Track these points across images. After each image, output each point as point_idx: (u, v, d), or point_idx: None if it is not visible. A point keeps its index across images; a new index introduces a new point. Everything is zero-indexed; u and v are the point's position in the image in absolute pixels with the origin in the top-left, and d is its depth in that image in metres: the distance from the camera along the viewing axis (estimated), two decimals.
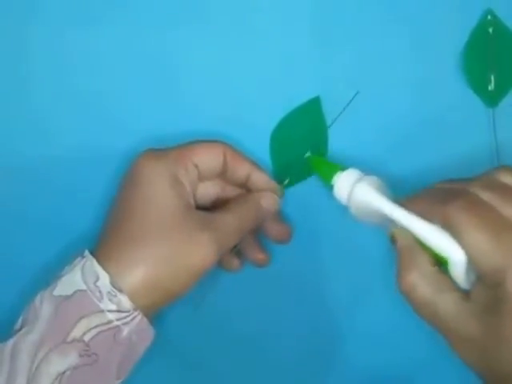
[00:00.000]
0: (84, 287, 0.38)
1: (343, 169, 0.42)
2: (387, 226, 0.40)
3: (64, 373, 0.37)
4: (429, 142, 0.46)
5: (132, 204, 0.40)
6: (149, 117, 0.46)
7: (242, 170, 0.43)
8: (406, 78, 0.47)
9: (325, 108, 0.46)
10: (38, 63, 0.46)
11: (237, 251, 0.44)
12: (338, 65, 0.47)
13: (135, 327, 0.39)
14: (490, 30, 0.46)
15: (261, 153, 0.46)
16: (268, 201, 0.43)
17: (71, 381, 0.37)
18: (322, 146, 0.46)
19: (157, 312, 0.40)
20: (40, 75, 0.46)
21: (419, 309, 0.38)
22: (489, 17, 0.46)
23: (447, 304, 0.37)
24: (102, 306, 0.38)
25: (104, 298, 0.38)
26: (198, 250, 0.39)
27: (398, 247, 0.39)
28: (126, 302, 0.38)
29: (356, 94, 0.46)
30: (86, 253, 0.39)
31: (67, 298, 0.38)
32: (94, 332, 0.38)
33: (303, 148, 0.47)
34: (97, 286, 0.38)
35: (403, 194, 0.44)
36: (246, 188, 0.44)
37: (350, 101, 0.46)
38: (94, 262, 0.39)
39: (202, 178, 0.42)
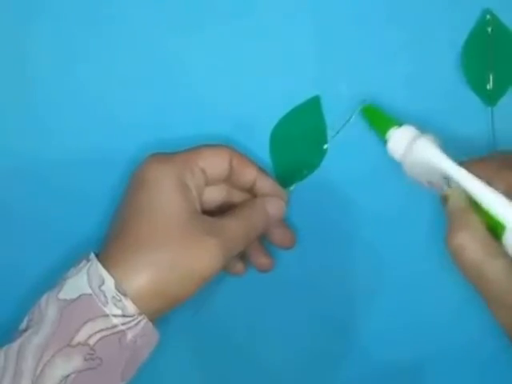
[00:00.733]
0: (89, 291, 0.38)
1: (400, 124, 0.41)
2: (440, 187, 0.40)
3: (68, 376, 0.37)
4: None
5: (138, 208, 0.40)
6: (152, 119, 0.46)
7: (247, 174, 0.43)
8: (405, 77, 0.47)
9: (324, 107, 0.46)
10: (42, 65, 0.46)
11: (241, 255, 0.44)
12: (338, 65, 0.47)
13: (140, 331, 0.39)
14: (489, 29, 0.46)
15: (261, 151, 0.46)
16: (274, 206, 0.43)
17: None
18: (321, 145, 0.46)
19: (161, 316, 0.40)
20: (44, 77, 0.46)
21: (466, 270, 0.38)
22: (488, 16, 0.46)
23: (496, 269, 0.37)
24: (106, 310, 0.38)
25: (109, 302, 0.38)
26: (204, 256, 0.39)
27: (450, 207, 0.39)
28: (130, 307, 0.38)
29: (361, 103, 0.46)
30: (92, 256, 0.39)
31: (72, 301, 0.38)
32: (98, 336, 0.38)
33: (303, 147, 0.47)
34: (102, 291, 0.38)
35: (402, 195, 0.44)
36: (252, 193, 0.44)
37: (350, 117, 0.46)
38: (99, 265, 0.39)
39: (208, 182, 0.42)
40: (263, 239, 0.45)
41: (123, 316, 0.38)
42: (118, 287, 0.38)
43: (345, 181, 0.47)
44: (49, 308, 0.38)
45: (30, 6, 0.46)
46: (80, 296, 0.38)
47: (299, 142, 0.47)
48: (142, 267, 0.39)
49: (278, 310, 0.47)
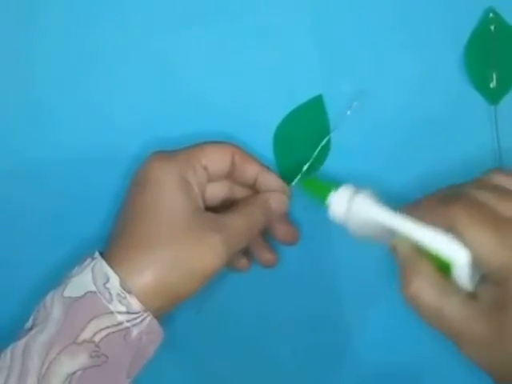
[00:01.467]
0: (94, 289, 0.38)
1: (337, 187, 0.42)
2: (387, 239, 0.40)
3: (74, 373, 0.37)
4: (431, 139, 0.47)
5: (142, 207, 0.40)
6: (154, 117, 0.46)
7: (250, 170, 0.43)
8: (408, 76, 0.47)
9: (327, 106, 0.46)
10: (44, 65, 0.46)
11: (245, 251, 0.44)
12: (341, 64, 0.47)
13: (145, 328, 0.39)
14: (492, 27, 0.46)
15: (264, 150, 0.46)
16: (277, 201, 0.43)
17: (81, 381, 0.38)
18: (324, 144, 0.46)
19: (166, 313, 0.40)
20: (46, 78, 0.46)
21: (425, 315, 0.38)
22: (491, 14, 0.46)
23: (454, 307, 0.37)
24: (111, 307, 0.38)
25: (114, 299, 0.38)
26: (207, 252, 0.39)
27: (400, 257, 0.40)
28: (135, 304, 0.38)
29: (359, 96, 0.46)
30: (96, 254, 0.40)
31: (77, 299, 0.38)
32: (104, 333, 0.38)
33: (306, 145, 0.47)
34: (106, 288, 0.38)
35: (404, 193, 0.45)
36: (254, 189, 0.44)
37: (350, 109, 0.46)
38: (104, 263, 0.39)
39: (210, 179, 0.42)
40: (267, 235, 0.45)
41: (128, 313, 0.38)
42: (122, 285, 0.38)
43: (347, 177, 0.46)
44: (54, 306, 0.38)
45: (33, 8, 0.46)
46: (85, 294, 0.38)
47: (302, 141, 0.47)
48: (146, 265, 0.39)
49: (281, 307, 0.47)
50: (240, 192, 0.45)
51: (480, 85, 0.47)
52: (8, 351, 0.38)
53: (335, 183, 0.42)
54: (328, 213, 0.42)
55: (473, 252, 0.37)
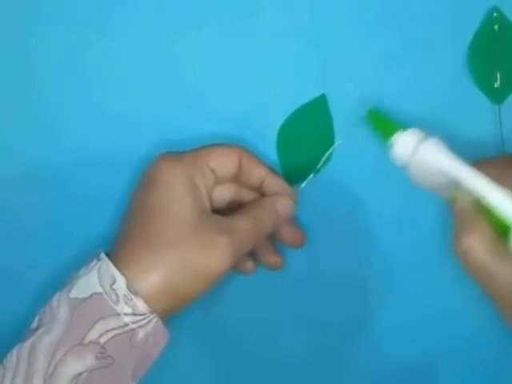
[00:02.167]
0: (100, 290, 0.38)
1: (405, 128, 0.41)
2: (447, 190, 0.39)
3: (80, 375, 0.37)
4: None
5: (148, 209, 0.40)
6: (158, 119, 0.46)
7: (257, 173, 0.43)
8: (411, 76, 0.47)
9: (331, 106, 0.46)
10: (48, 67, 0.46)
11: (251, 253, 0.44)
12: (345, 63, 0.47)
13: (151, 330, 0.39)
14: (496, 27, 0.46)
15: (267, 150, 0.46)
16: (283, 205, 0.43)
17: (87, 383, 0.38)
18: (328, 144, 0.46)
19: (171, 315, 0.41)
20: (50, 80, 0.46)
21: (475, 273, 0.38)
22: (495, 14, 0.46)
23: (505, 272, 0.37)
24: (118, 309, 0.38)
25: (120, 301, 0.38)
26: (214, 254, 0.39)
27: (457, 209, 0.39)
28: (141, 306, 0.38)
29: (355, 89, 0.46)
30: (102, 255, 0.40)
31: (84, 300, 0.38)
32: (110, 334, 0.38)
33: (310, 145, 0.47)
34: (113, 289, 0.38)
35: (408, 191, 0.44)
36: (261, 191, 0.44)
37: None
38: (110, 264, 0.39)
39: (217, 181, 0.43)
40: (273, 238, 0.45)
41: (134, 315, 0.38)
42: (129, 286, 0.38)
43: (353, 179, 0.47)
44: (60, 307, 0.39)
45: (35, 9, 0.46)
46: (91, 295, 0.38)
47: (306, 141, 0.47)
48: (152, 267, 0.39)
49: (288, 309, 0.47)
50: (247, 195, 0.45)
51: (484, 84, 0.47)
52: (14, 351, 0.38)
53: (402, 124, 0.42)
54: (390, 152, 0.41)
55: None
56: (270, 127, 0.47)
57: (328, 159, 0.47)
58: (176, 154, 0.42)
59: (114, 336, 0.38)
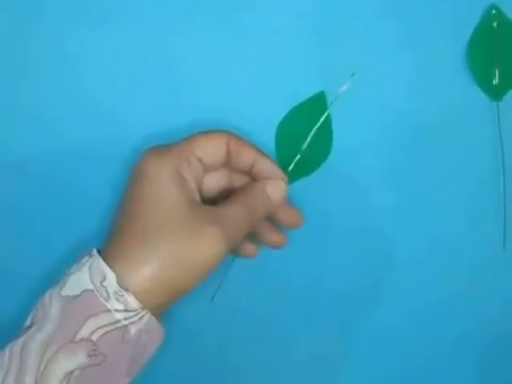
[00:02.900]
0: (91, 287, 0.38)
1: None
2: None
3: (72, 372, 0.37)
4: (434, 136, 0.47)
5: (137, 203, 0.40)
6: (157, 116, 0.46)
7: (246, 157, 0.42)
8: (410, 73, 0.47)
9: (329, 103, 0.46)
10: (44, 63, 0.46)
11: (251, 236, 0.44)
12: (343, 61, 0.47)
13: (143, 327, 0.39)
14: (495, 24, 0.47)
15: (266, 147, 0.46)
16: (274, 188, 0.43)
17: (79, 380, 0.37)
18: (326, 141, 0.46)
19: (165, 310, 0.40)
20: (45, 76, 0.46)
21: None
22: (493, 11, 0.47)
23: None
24: (108, 305, 0.38)
25: (111, 297, 0.38)
26: (205, 245, 0.39)
27: None
28: (132, 302, 0.38)
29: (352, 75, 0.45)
30: (94, 251, 0.39)
31: (75, 297, 0.38)
32: (101, 331, 0.38)
33: (308, 142, 0.46)
34: (103, 286, 0.38)
35: (408, 190, 0.44)
36: (252, 175, 0.44)
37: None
38: (101, 261, 0.39)
39: (206, 169, 0.42)
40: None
41: (126, 311, 0.38)
42: (119, 282, 0.38)
43: (351, 176, 0.47)
44: (52, 305, 0.38)
45: (33, 6, 0.46)
46: (82, 292, 0.38)
47: (305, 137, 0.47)
48: (143, 261, 0.38)
49: (286, 306, 0.47)
50: (239, 180, 0.44)
51: (482, 82, 0.47)
52: (6, 350, 0.38)
53: None
54: None
55: None
56: (269, 123, 0.46)
57: (325, 156, 0.46)
58: (162, 146, 0.41)
59: (106, 333, 0.38)
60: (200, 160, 0.41)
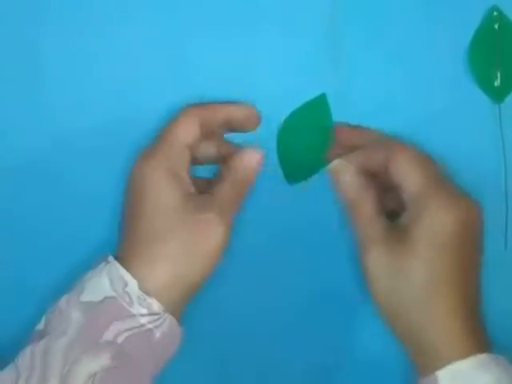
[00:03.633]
0: (113, 294, 0.39)
1: None
2: None
3: (96, 374, 0.38)
4: (435, 137, 0.46)
5: (136, 208, 0.41)
6: (159, 115, 0.46)
7: (218, 118, 0.44)
8: (411, 75, 0.47)
9: (331, 105, 0.47)
10: (49, 62, 0.46)
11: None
12: (345, 63, 0.47)
13: (167, 329, 0.39)
14: (496, 26, 0.47)
15: (268, 148, 0.45)
16: (250, 158, 0.43)
17: (103, 382, 0.38)
18: (327, 143, 0.47)
19: (183, 309, 0.41)
20: (52, 77, 0.46)
21: (344, 195, 0.44)
22: (495, 13, 0.46)
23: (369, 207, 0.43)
24: (133, 310, 0.38)
25: (134, 302, 0.39)
26: (208, 232, 0.40)
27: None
28: (155, 305, 0.39)
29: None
30: (110, 258, 0.40)
31: (97, 304, 0.39)
32: (126, 334, 0.38)
33: (310, 144, 0.47)
34: (126, 292, 0.39)
35: None
36: (231, 128, 0.45)
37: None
38: (120, 267, 0.39)
39: (192, 152, 0.43)
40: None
41: (150, 315, 0.39)
42: (141, 287, 0.39)
43: None
44: (71, 310, 0.39)
45: (40, 6, 0.46)
46: (104, 299, 0.39)
47: (306, 140, 0.47)
48: (156, 262, 0.40)
49: (286, 308, 0.47)
50: (225, 148, 0.45)
51: (484, 83, 0.47)
52: (28, 352, 0.38)
53: None
54: None
55: None
56: (271, 125, 0.47)
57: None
58: (150, 149, 0.42)
59: (132, 336, 0.38)
60: (183, 148, 0.42)
